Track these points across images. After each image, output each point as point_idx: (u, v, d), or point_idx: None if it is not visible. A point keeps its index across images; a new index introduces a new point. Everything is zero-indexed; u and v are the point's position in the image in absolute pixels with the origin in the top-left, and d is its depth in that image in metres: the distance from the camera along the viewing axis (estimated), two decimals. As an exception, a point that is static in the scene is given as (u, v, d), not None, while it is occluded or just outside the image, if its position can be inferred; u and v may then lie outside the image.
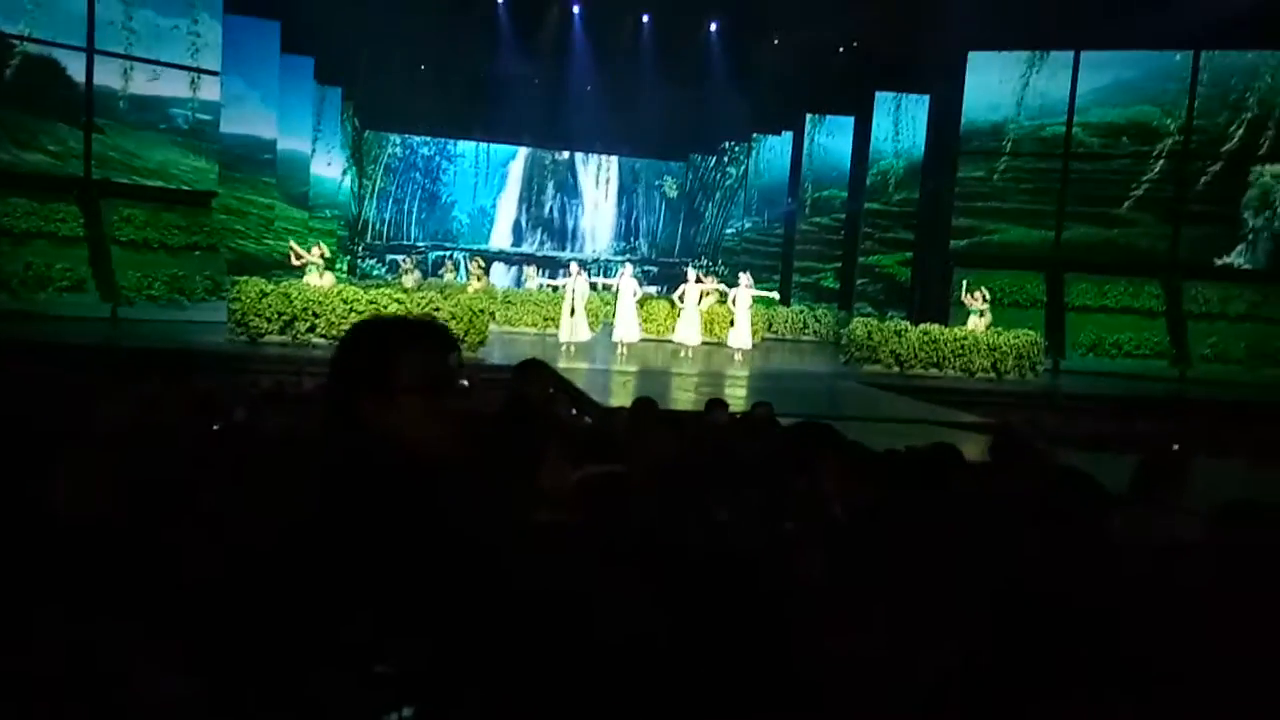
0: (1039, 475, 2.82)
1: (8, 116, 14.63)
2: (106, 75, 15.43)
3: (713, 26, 22.29)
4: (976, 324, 15.78)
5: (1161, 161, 18.32)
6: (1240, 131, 17.82)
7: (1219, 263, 17.98)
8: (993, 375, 15.24)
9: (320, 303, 13.32)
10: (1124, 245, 18.48)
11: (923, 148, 21.39)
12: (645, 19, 22.11)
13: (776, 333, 20.94)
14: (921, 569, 1.64)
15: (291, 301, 13.18)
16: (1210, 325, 17.64)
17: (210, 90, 16.56)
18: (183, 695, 1.41)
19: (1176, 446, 8.50)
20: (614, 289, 16.08)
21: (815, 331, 21.52)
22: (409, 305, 13.59)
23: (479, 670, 1.25)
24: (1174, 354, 17.63)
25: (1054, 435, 10.16)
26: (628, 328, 15.09)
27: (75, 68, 15.15)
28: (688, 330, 15.70)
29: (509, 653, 1.31)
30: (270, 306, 13.06)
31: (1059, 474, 2.56)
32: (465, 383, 1.37)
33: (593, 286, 16.82)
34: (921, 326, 15.63)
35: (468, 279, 20.09)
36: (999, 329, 15.71)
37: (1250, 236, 17.89)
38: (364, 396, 1.31)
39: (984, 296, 16.06)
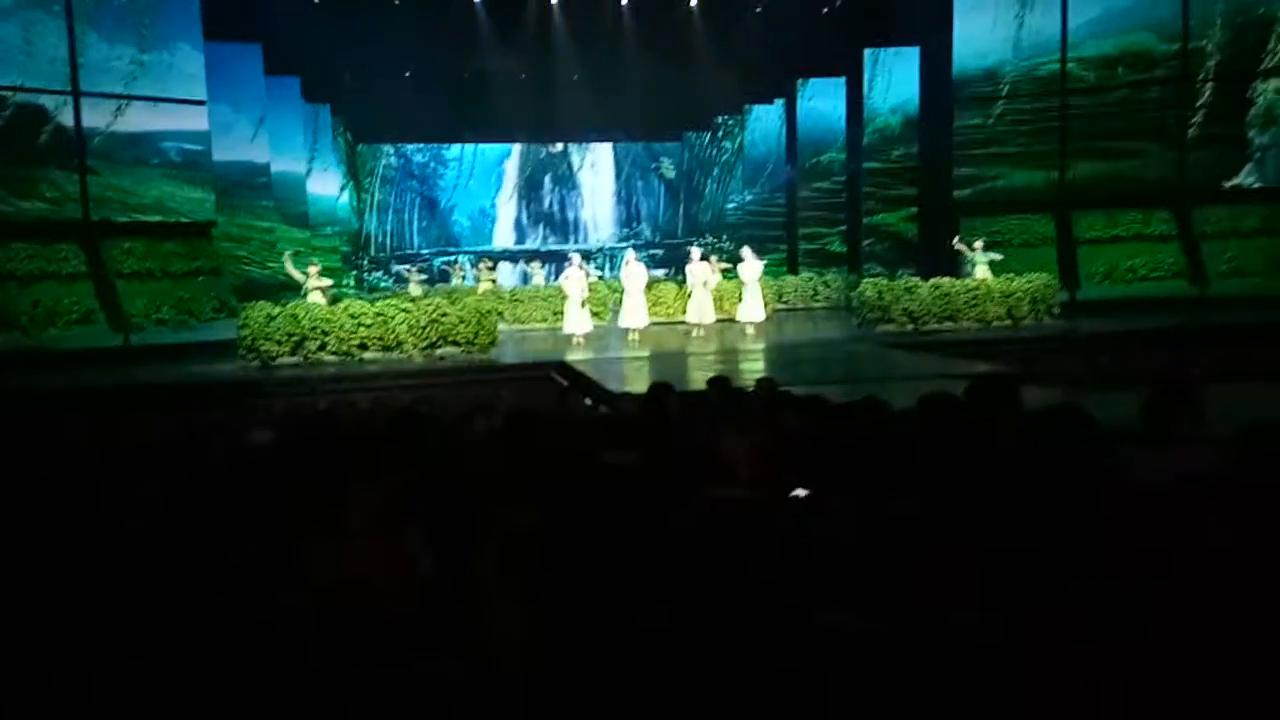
0: (1022, 418, 2.73)
1: (2, 168, 14.68)
2: (95, 116, 15.42)
3: (692, 1, 22.06)
4: (985, 273, 15.67)
5: (1161, 88, 17.98)
6: (1257, 47, 17.39)
7: (1228, 185, 17.66)
8: (1009, 322, 15.10)
9: (328, 320, 13.35)
10: (1131, 177, 18.18)
11: (917, 101, 21.12)
12: (624, 1, 21.91)
13: (787, 302, 20.84)
14: (901, 535, 1.59)
15: (299, 322, 13.20)
16: (1225, 243, 17.35)
17: (198, 120, 16.54)
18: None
19: (1197, 370, 8.37)
20: (620, 277, 16.03)
21: (826, 297, 21.40)
22: (416, 313, 13.61)
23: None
24: (1191, 273, 17.36)
25: (1076, 377, 10.04)
26: (635, 314, 15.03)
27: (64, 112, 15.16)
28: (698, 310, 15.64)
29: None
30: (279, 329, 13.09)
31: (1047, 415, 2.47)
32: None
33: (601, 278, 16.75)
34: (932, 281, 15.47)
35: (476, 282, 20.07)
36: (1010, 275, 15.53)
37: (1258, 155, 17.53)
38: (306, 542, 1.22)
39: (972, 244, 16.05)
